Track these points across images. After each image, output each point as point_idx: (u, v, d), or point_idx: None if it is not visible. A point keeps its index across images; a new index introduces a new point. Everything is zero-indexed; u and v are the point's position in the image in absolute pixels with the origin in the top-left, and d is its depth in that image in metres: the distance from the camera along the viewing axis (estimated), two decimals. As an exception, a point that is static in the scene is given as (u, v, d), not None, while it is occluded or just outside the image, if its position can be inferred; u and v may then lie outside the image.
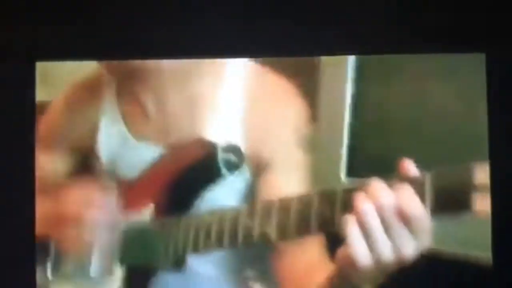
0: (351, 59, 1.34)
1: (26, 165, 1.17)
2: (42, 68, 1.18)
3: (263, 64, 1.22)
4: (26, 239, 1.16)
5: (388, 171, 0.91)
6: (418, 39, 1.14)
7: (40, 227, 1.20)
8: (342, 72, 1.35)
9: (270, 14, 1.17)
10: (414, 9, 1.15)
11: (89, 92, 1.25)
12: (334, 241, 0.93)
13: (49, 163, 1.30)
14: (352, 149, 1.33)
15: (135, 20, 1.19)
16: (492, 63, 1.11)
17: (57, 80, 1.25)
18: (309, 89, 1.24)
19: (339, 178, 1.33)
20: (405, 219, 0.86)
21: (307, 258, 1.11)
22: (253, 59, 1.22)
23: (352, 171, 1.33)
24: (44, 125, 1.31)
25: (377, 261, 0.87)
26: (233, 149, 1.14)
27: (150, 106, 1.20)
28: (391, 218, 0.86)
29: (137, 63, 1.14)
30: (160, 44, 1.17)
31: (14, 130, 1.18)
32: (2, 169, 1.18)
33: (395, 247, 0.86)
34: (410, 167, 0.89)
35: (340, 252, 0.91)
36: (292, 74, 1.20)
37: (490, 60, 1.11)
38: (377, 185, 0.88)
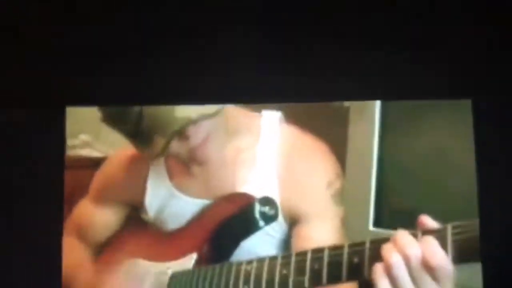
0: (376, 117, 1.35)
1: (55, 208, 1.19)
2: (97, 127, 1.20)
3: (295, 123, 1.25)
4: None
5: (412, 223, 0.92)
6: (405, 86, 1.17)
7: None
8: (369, 130, 1.36)
9: (297, 61, 1.18)
10: (400, 58, 1.17)
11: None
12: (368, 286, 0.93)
13: (102, 217, 1.33)
14: (378, 202, 1.34)
15: (160, 67, 1.21)
16: (478, 108, 1.11)
17: (111, 138, 1.27)
18: (337, 145, 1.26)
19: (367, 229, 1.34)
20: (430, 269, 0.86)
21: None
22: (285, 118, 1.25)
23: (379, 223, 1.34)
24: (98, 180, 1.35)
25: None
26: (269, 202, 1.16)
27: (191, 162, 1.22)
28: (418, 269, 0.87)
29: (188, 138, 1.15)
30: (188, 91, 1.19)
31: (44, 175, 1.19)
32: (32, 213, 1.19)
33: None
34: (428, 221, 0.91)
35: None
36: (322, 133, 1.23)
37: (476, 105, 1.11)
38: (404, 237, 0.90)
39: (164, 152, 1.14)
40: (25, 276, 1.16)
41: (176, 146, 1.14)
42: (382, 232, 1.30)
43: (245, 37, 1.20)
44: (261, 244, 1.18)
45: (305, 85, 1.20)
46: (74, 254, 1.32)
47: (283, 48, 1.19)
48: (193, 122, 1.12)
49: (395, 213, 1.32)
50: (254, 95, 1.19)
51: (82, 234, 1.34)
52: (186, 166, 1.24)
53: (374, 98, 1.27)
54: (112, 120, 1.17)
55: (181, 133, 1.12)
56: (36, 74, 1.20)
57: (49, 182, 1.17)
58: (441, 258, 0.87)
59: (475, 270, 1.08)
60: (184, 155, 1.16)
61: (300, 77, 1.19)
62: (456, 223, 0.89)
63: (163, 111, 1.11)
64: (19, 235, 1.18)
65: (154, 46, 1.21)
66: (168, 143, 1.12)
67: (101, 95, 1.20)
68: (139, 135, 1.14)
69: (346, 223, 1.19)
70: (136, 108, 1.12)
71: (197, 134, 1.13)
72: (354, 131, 1.37)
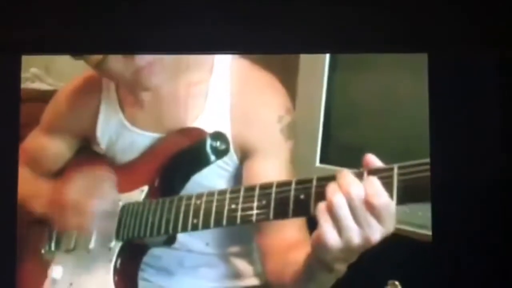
0: (327, 54, 1.33)
1: (10, 159, 1.15)
2: (47, 60, 1.15)
3: (248, 59, 1.21)
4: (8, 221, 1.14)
5: (359, 161, 0.91)
6: (364, 39, 1.13)
7: (44, 208, 1.21)
8: (319, 66, 1.34)
9: (256, 15, 1.14)
10: (360, 9, 1.14)
11: (91, 83, 1.24)
12: (316, 223, 0.92)
13: (54, 147, 1.29)
14: (326, 138, 1.33)
15: (122, 16, 1.17)
16: (434, 62, 1.09)
17: (61, 72, 1.22)
18: (288, 81, 1.23)
19: (314, 165, 1.33)
20: (372, 208, 0.86)
21: (288, 237, 1.11)
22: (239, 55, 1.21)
23: (325, 158, 1.33)
24: (49, 112, 1.31)
25: (346, 245, 0.87)
26: (221, 137, 1.14)
27: (145, 97, 1.19)
28: (360, 208, 0.86)
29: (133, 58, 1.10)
30: (140, 40, 1.15)
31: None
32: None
33: (363, 233, 0.87)
34: (373, 160, 0.90)
35: (314, 235, 0.90)
36: (274, 68, 1.20)
37: (432, 59, 1.09)
38: (348, 177, 0.88)
39: (103, 63, 1.09)
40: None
41: (119, 65, 1.09)
42: (329, 168, 1.30)
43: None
44: (213, 177, 1.17)
45: (255, 37, 1.15)
46: (24, 181, 1.28)
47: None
48: None
49: (341, 150, 1.32)
50: (204, 45, 1.14)
51: (32, 165, 1.29)
52: (136, 97, 1.20)
53: (331, 51, 1.25)
54: None
55: None
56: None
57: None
58: (383, 197, 0.86)
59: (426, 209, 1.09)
60: (128, 77, 1.11)
61: (251, 29, 1.15)
62: (403, 163, 0.87)
63: None
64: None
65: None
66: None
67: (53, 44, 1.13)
68: None
69: (294, 159, 1.17)
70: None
71: (142, 56, 1.08)
72: (305, 68, 1.35)
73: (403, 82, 1.26)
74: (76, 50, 1.10)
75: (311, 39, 1.15)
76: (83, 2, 1.16)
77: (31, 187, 1.24)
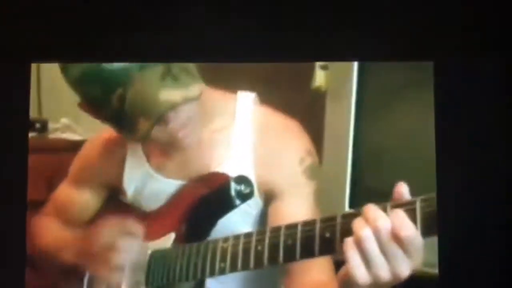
0: (353, 100, 1.34)
1: (19, 168, 1.11)
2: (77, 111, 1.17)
3: (269, 104, 1.25)
4: (17, 256, 1.10)
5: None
6: (367, 47, 1.11)
7: (74, 255, 1.23)
8: (345, 110, 1.35)
9: (271, 20, 1.14)
10: (364, 16, 1.12)
11: (117, 136, 1.27)
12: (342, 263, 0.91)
13: (82, 199, 1.32)
14: (354, 184, 1.33)
15: (134, 23, 1.14)
16: (439, 71, 1.07)
17: (91, 121, 1.25)
18: (314, 126, 1.25)
19: (342, 209, 1.33)
20: (399, 241, 0.84)
21: (314, 279, 1.11)
22: (259, 99, 1.25)
23: (354, 203, 1.33)
24: (77, 164, 1.36)
25: (375, 280, 0.86)
26: (245, 181, 1.15)
27: (169, 146, 1.20)
28: (387, 241, 0.85)
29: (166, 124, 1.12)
30: (153, 46, 1.12)
31: (6, 132, 1.12)
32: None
33: (391, 267, 0.85)
34: (404, 190, 0.89)
35: (341, 271, 0.90)
36: (298, 113, 1.22)
37: (438, 68, 1.07)
38: (373, 211, 0.88)
39: (148, 135, 1.12)
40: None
41: (156, 130, 1.12)
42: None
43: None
44: (239, 221, 1.17)
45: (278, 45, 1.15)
46: (54, 232, 1.33)
47: (261, 6, 1.14)
48: (176, 105, 1.09)
49: (371, 194, 1.32)
50: (229, 54, 1.13)
51: (62, 216, 1.33)
52: (163, 149, 1.23)
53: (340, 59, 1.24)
54: (92, 104, 1.14)
55: (162, 118, 1.10)
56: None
57: (11, 144, 1.12)
58: (410, 229, 0.85)
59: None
60: (163, 139, 1.14)
61: (274, 36, 1.14)
62: (425, 196, 0.87)
63: (147, 94, 1.08)
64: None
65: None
66: (152, 126, 1.10)
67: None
68: (122, 118, 1.11)
69: (321, 199, 1.18)
70: (118, 92, 1.09)
71: (176, 119, 1.11)
72: (331, 115, 1.37)
73: (429, 123, 1.26)
74: (87, 58, 1.10)
75: (308, 47, 1.13)
76: (94, 10, 1.15)
77: (59, 239, 1.28)
